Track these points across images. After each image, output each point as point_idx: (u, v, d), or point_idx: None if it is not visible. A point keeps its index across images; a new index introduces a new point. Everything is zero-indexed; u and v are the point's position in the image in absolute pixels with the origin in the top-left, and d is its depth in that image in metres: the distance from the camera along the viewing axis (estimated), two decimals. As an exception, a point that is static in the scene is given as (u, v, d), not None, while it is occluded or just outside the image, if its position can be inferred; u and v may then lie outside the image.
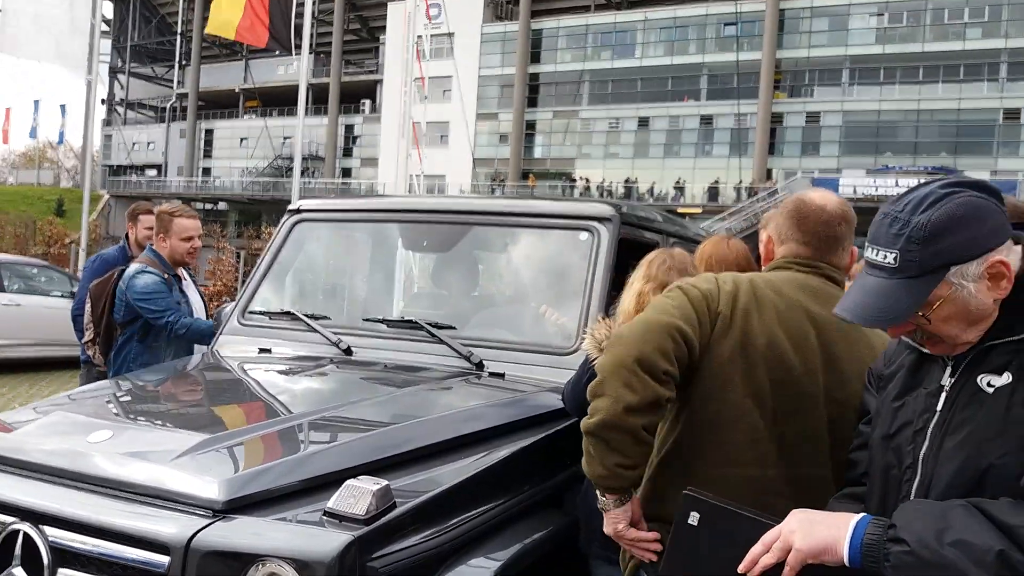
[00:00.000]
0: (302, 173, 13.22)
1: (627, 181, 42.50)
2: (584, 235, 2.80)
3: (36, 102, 35.34)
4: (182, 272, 3.87)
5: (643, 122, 44.87)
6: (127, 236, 4.61)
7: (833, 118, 40.51)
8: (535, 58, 47.87)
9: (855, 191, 33.94)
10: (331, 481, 1.78)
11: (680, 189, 40.80)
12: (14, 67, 17.51)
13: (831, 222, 1.80)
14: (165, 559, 1.60)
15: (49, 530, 1.72)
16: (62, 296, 10.44)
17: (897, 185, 33.85)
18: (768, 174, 39.54)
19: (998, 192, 1.33)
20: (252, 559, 1.57)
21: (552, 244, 2.99)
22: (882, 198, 33.82)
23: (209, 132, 61.34)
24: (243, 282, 14.79)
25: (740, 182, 37.49)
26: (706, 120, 43.19)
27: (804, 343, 1.66)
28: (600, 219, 2.76)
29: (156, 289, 3.58)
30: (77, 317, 4.23)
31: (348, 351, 2.82)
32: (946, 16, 38.09)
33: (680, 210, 33.71)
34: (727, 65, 40.46)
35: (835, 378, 1.66)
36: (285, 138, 52.26)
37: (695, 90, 43.91)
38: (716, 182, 39.45)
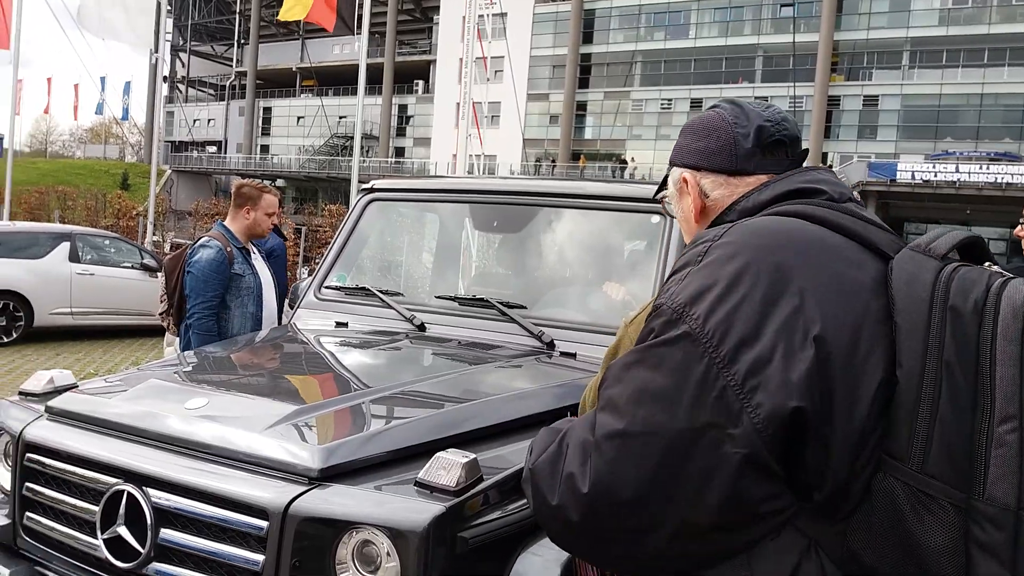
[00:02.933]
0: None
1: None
2: (656, 218, 2.80)
3: (103, 79, 36.21)
4: (251, 246, 3.99)
5: (696, 104, 44.23)
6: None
7: (892, 102, 39.45)
8: (587, 38, 47.45)
9: (913, 176, 33.08)
10: (417, 453, 1.83)
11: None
12: (80, 45, 17.98)
13: None
14: (264, 523, 1.66)
15: (152, 491, 1.80)
16: (132, 267, 10.81)
17: (957, 171, 32.91)
18: (823, 158, 38.67)
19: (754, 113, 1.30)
20: (347, 526, 1.62)
21: (624, 226, 3.00)
22: (940, 184, 32.96)
23: (267, 110, 62.37)
24: (304, 257, 15.13)
25: None
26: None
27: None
28: (672, 202, 2.76)
29: (208, 273, 3.68)
30: None
31: (422, 327, 2.88)
32: (1015, -4, 36.72)
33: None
34: (783, 46, 39.58)
35: None
36: (340, 117, 52.85)
37: (750, 71, 43.11)
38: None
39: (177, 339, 4.09)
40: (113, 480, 1.86)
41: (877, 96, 40.04)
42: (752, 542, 0.99)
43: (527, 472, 1.18)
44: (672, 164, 1.37)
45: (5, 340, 9.66)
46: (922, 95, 38.71)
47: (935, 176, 33.31)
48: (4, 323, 9.71)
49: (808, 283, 0.99)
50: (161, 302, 4.07)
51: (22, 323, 9.83)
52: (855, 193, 1.23)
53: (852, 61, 41.04)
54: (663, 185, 1.43)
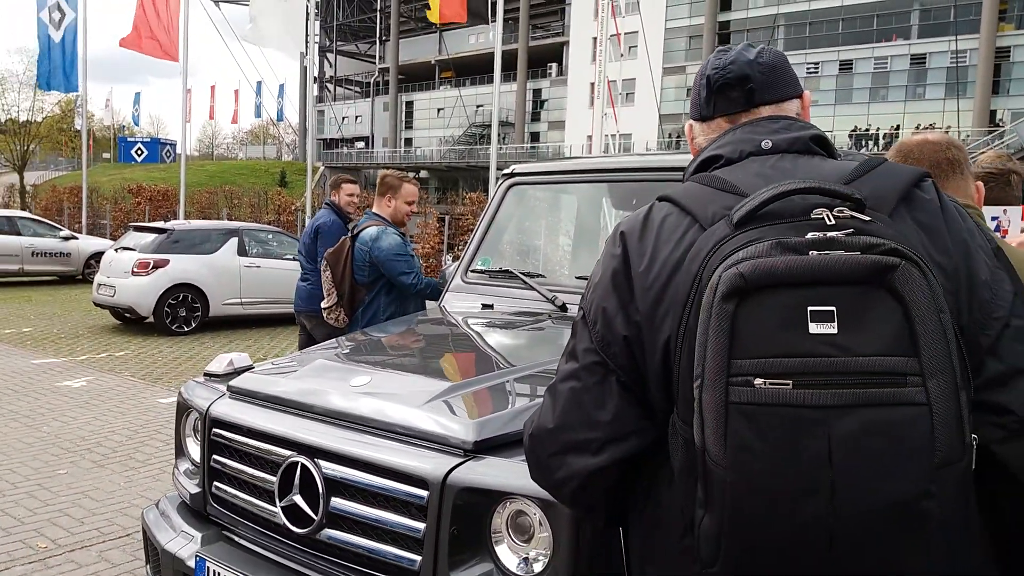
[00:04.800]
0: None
1: (828, 131, 39.79)
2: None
3: (259, 83, 38.72)
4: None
5: (845, 66, 41.77)
6: (333, 202, 5.30)
7: (1076, 48, 35.60)
8: (725, 5, 45.78)
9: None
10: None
11: (887, 136, 37.57)
12: (239, 54, 19.30)
13: (940, 147, 1.76)
14: (424, 493, 1.76)
15: (323, 463, 1.95)
16: (293, 259, 11.55)
17: None
18: (991, 116, 35.52)
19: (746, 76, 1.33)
20: (502, 496, 1.70)
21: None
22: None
23: (409, 104, 64.47)
24: (448, 244, 15.59)
25: (958, 127, 33.96)
26: (917, 60, 39.47)
27: None
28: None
29: (401, 250, 3.94)
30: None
31: (563, 308, 2.92)
32: None
33: (890, 160, 31.08)
34: (944, -4, 36.57)
35: None
36: (478, 106, 53.79)
37: (905, 27, 40.16)
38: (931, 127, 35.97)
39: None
40: (288, 452, 2.03)
41: (1056, 43, 36.32)
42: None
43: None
44: None
45: (185, 329, 10.59)
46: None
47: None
48: (184, 314, 10.64)
49: (635, 267, 1.21)
50: (328, 295, 4.12)
51: (199, 313, 10.75)
52: (767, 143, 1.27)
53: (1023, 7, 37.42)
54: None
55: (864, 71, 41.36)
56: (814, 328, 0.98)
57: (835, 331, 0.98)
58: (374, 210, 4.18)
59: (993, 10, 36.19)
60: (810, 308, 0.99)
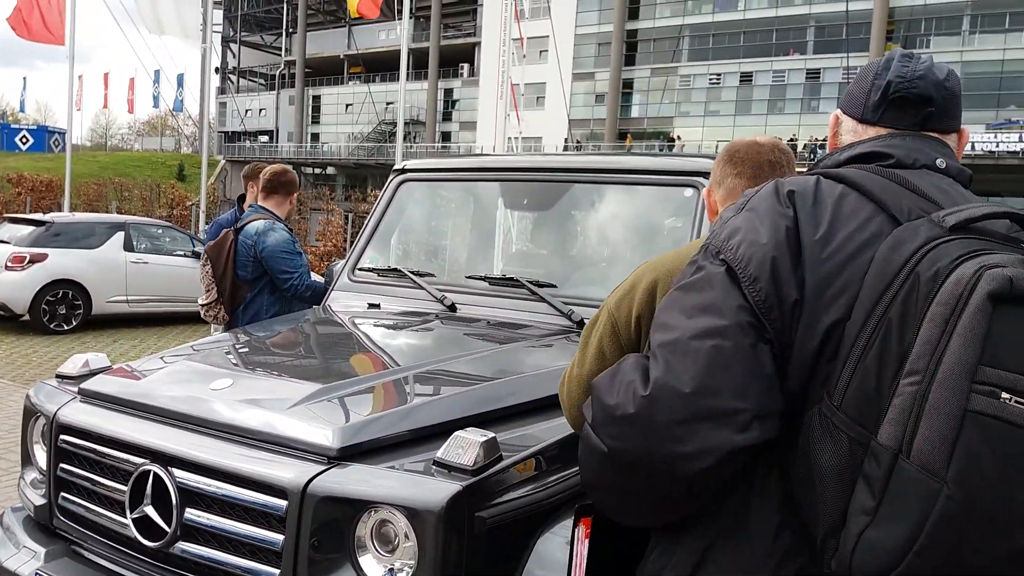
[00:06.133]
0: (404, 138, 13.45)
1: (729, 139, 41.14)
2: (689, 191, 2.73)
3: (156, 72, 37.03)
4: None
5: (746, 78, 43.30)
6: (241, 198, 4.83)
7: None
8: (633, 14, 46.73)
9: (973, 147, 31.83)
10: (438, 432, 1.81)
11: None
12: (135, 40, 18.44)
13: (764, 150, 1.75)
14: (283, 503, 1.66)
15: (177, 472, 1.82)
16: (184, 255, 11.07)
17: (1021, 140, 31.55)
18: (880, 131, 37.54)
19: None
20: (365, 505, 1.62)
21: (655, 201, 2.93)
22: (1003, 155, 31.65)
23: (316, 98, 63.08)
24: (351, 243, 15.34)
25: (795, 137, 35.66)
26: (813, 74, 41.30)
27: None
28: (704, 174, 2.68)
29: (289, 248, 3.78)
30: None
31: (452, 307, 2.86)
32: (1087, -47, 34.94)
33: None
34: (836, 16, 38.41)
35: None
36: (388, 103, 53.16)
37: (801, 43, 41.96)
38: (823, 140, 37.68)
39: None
40: (140, 460, 1.89)
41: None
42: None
43: (593, 385, 1.27)
44: None
45: (65, 328, 9.99)
46: (983, 61, 37.17)
47: (997, 147, 32.04)
48: (64, 311, 10.04)
49: (807, 233, 1.14)
50: (208, 292, 3.90)
51: (81, 311, 10.16)
52: (941, 160, 1.24)
53: (909, 28, 39.62)
54: None
55: (763, 83, 42.98)
56: None
57: None
58: (261, 203, 4.01)
59: (881, 30, 38.21)
60: None
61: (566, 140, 40.86)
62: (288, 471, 1.69)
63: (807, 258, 1.12)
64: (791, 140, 38.88)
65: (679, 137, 43.23)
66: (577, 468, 1.87)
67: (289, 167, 4.19)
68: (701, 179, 2.68)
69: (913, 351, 0.98)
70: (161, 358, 2.37)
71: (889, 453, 0.97)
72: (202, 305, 3.94)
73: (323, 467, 1.69)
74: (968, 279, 0.97)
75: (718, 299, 1.13)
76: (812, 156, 34.28)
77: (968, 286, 0.96)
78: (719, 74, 44.12)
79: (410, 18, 14.13)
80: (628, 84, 47.13)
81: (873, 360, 1.02)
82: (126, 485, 1.89)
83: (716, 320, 1.11)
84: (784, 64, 42.06)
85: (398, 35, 52.46)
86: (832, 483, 1.04)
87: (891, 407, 0.99)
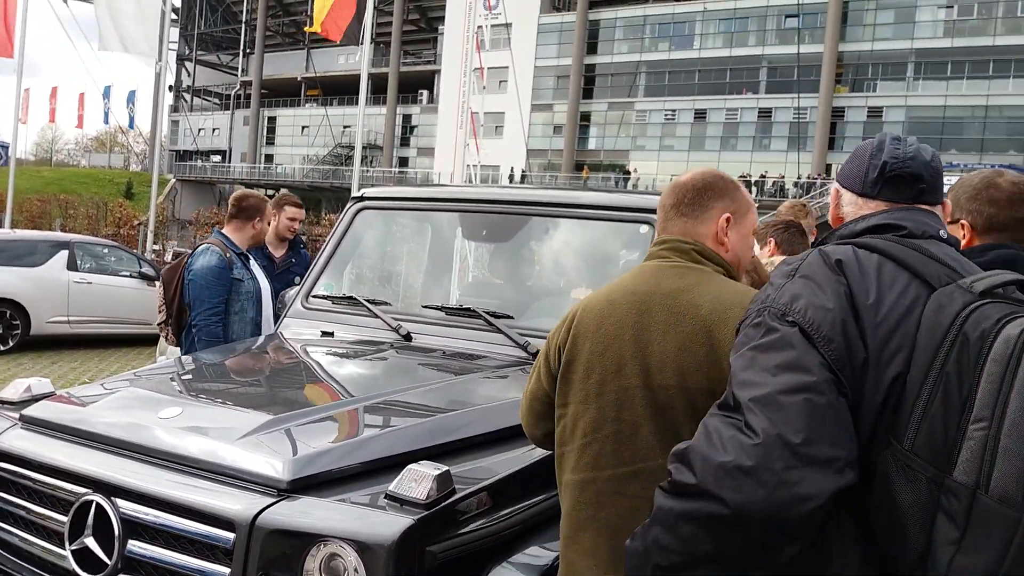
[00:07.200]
0: (361, 162, 13.40)
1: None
2: (644, 228, 2.78)
3: (107, 88, 36.33)
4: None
5: (700, 114, 44.23)
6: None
7: (896, 113, 39.40)
8: (591, 49, 47.53)
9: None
10: (391, 464, 1.80)
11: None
12: (87, 55, 18.08)
13: (675, 191, 1.80)
14: (231, 535, 1.63)
15: (121, 502, 1.77)
16: (130, 276, 10.81)
17: (963, 183, 32.78)
18: (827, 169, 38.62)
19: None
20: (314, 539, 1.59)
21: (611, 236, 2.97)
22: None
23: (272, 120, 62.53)
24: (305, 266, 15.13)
25: (799, 177, 36.66)
26: (764, 113, 42.40)
27: (620, 336, 1.64)
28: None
29: (210, 276, 3.66)
30: None
31: (408, 337, 2.84)
32: (1019, 8, 36.65)
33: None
34: (787, 57, 39.53)
35: (651, 363, 1.60)
36: (345, 127, 52.96)
37: (754, 82, 43.10)
38: (781, 176, 38.63)
39: (170, 347, 4.06)
40: (82, 490, 1.84)
41: (881, 108, 39.98)
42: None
43: (680, 453, 1.30)
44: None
45: (2, 348, 9.64)
46: (926, 107, 38.64)
47: (940, 188, 33.22)
48: (1, 331, 9.70)
49: (861, 299, 1.30)
50: (160, 312, 3.99)
51: (19, 331, 9.82)
52: (943, 231, 1.44)
53: (856, 72, 41.02)
54: None
55: (717, 120, 43.95)
56: None
57: None
58: (225, 231, 3.97)
59: (831, 73, 39.49)
60: None
61: (512, 170, 41.21)
62: (236, 503, 1.66)
63: (865, 321, 1.28)
64: (743, 176, 39.83)
65: (635, 170, 43.85)
66: (531, 501, 1.89)
67: (254, 193, 4.14)
68: (654, 216, 2.73)
69: (977, 401, 1.14)
70: (105, 385, 2.32)
71: (967, 490, 1.12)
72: (157, 324, 4.00)
73: (272, 499, 1.66)
74: (1015, 339, 1.14)
75: (800, 358, 1.25)
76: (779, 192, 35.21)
77: (1017, 345, 1.14)
78: (674, 110, 45.00)
79: (371, 43, 14.15)
80: (585, 117, 47.79)
81: (939, 409, 1.18)
82: (66, 515, 1.83)
83: (804, 377, 1.23)
84: (737, 102, 43.11)
85: (357, 60, 52.51)
86: (914, 518, 1.18)
87: (963, 449, 1.14)
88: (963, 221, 2.02)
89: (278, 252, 4.60)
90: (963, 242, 1.99)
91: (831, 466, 1.19)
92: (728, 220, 1.75)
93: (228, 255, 3.75)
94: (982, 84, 37.55)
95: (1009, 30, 36.90)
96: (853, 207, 1.51)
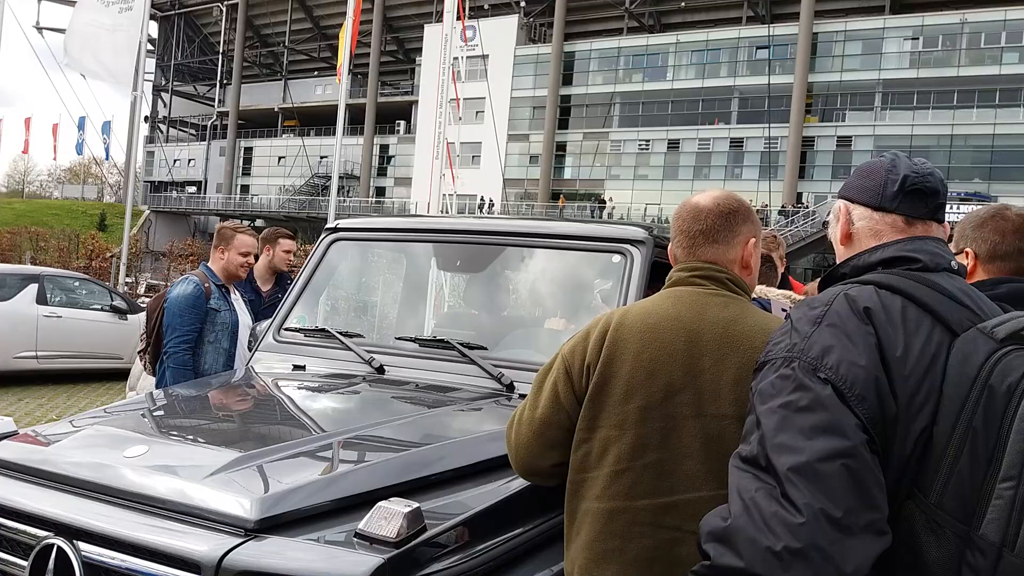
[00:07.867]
0: (337, 192, 13.39)
1: (657, 203, 42.33)
2: (617, 257, 2.78)
3: (82, 119, 36.07)
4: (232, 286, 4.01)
5: (673, 144, 44.81)
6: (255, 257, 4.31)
7: (865, 142, 40.14)
8: (567, 80, 48.10)
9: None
10: (362, 502, 1.77)
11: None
12: (61, 85, 17.96)
13: (699, 216, 1.75)
14: (196, 578, 1.59)
15: (83, 545, 1.72)
16: (101, 309, 10.63)
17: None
18: (798, 198, 39.19)
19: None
20: (283, 580, 1.56)
21: (585, 266, 2.97)
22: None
23: (248, 150, 62.40)
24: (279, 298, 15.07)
25: (767, 205, 37.11)
26: (736, 143, 43.03)
27: (670, 362, 1.60)
28: (633, 242, 2.74)
29: (184, 304, 3.68)
30: None
31: (381, 369, 2.81)
32: (982, 40, 37.67)
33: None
34: (758, 88, 40.27)
35: (704, 392, 1.57)
36: (322, 157, 53.01)
37: (726, 113, 43.81)
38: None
39: (146, 378, 4.07)
40: (43, 533, 1.78)
41: (850, 137, 40.75)
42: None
43: (719, 534, 1.25)
44: (838, 197, 1.61)
45: (-33, 383, 9.44)
46: (894, 136, 39.39)
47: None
48: (-34, 366, 9.49)
49: (890, 351, 1.29)
50: (141, 341, 4.09)
51: (-15, 366, 9.61)
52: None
53: (826, 103, 41.83)
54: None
55: (689, 150, 44.54)
56: None
57: None
58: (211, 260, 3.98)
59: (800, 103, 40.24)
60: None
61: (480, 198, 41.36)
62: (202, 544, 1.62)
63: (895, 374, 1.27)
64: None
65: (610, 199, 44.23)
66: (506, 536, 1.86)
67: (231, 223, 4.13)
68: (629, 246, 2.74)
69: (1006, 459, 1.16)
70: (71, 423, 2.26)
71: (994, 548, 1.15)
72: (138, 352, 4.13)
73: (240, 539, 1.62)
74: None
75: (835, 420, 1.23)
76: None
77: None
78: (648, 140, 45.55)
79: (348, 74, 14.21)
80: (561, 147, 48.22)
81: (966, 464, 1.19)
82: (26, 560, 1.78)
83: (840, 441, 1.21)
84: (709, 132, 43.72)
85: (334, 90, 52.69)
86: (941, 571, 1.20)
87: (991, 507, 1.16)
88: (967, 250, 2.01)
89: (266, 287, 4.56)
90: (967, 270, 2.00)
91: (872, 529, 1.19)
92: (754, 244, 1.77)
93: (208, 285, 3.78)
94: (947, 114, 38.44)
95: (973, 61, 37.89)
96: (868, 221, 1.51)
